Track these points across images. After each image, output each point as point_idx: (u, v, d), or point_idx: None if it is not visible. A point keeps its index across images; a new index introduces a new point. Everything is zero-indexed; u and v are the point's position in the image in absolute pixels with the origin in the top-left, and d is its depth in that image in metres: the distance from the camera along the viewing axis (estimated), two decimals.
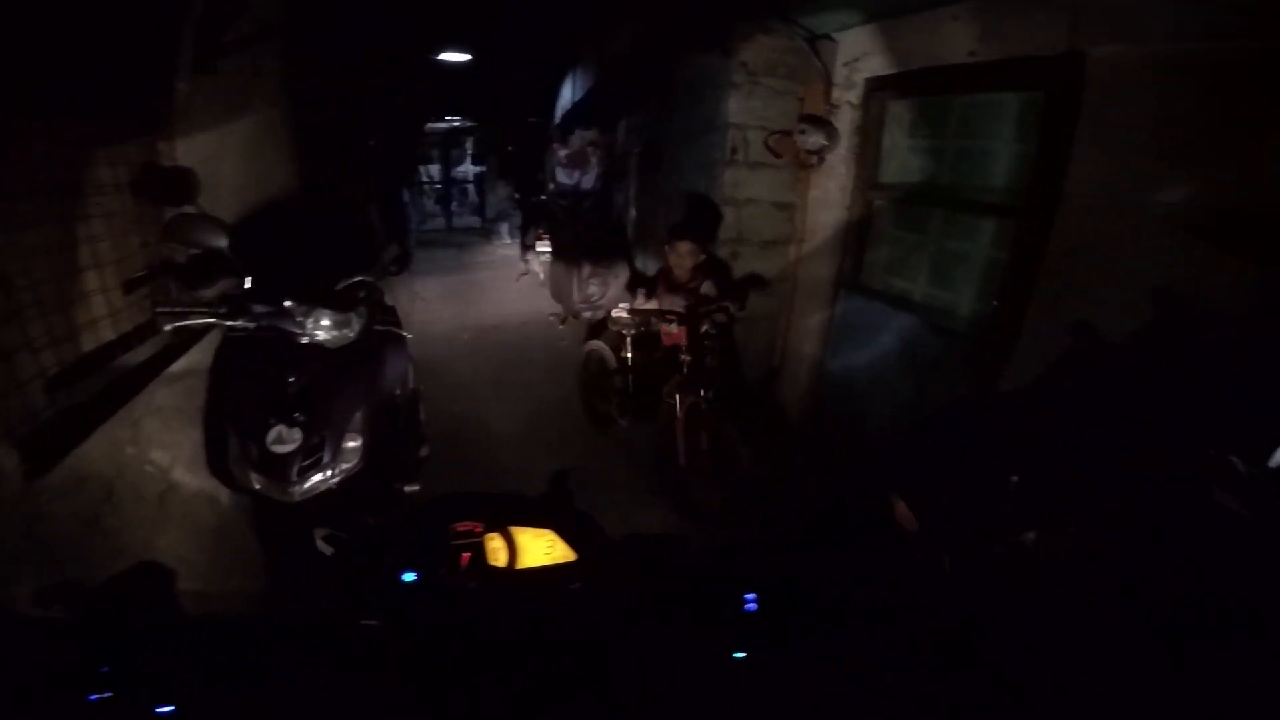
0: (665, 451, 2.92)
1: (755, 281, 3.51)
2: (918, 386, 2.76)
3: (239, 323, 1.91)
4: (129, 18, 1.85)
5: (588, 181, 7.41)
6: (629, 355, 3.32)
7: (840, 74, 3.26)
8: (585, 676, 0.72)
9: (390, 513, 2.25)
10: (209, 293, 2.10)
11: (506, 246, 8.97)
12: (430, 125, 10.72)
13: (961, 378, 2.50)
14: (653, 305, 3.19)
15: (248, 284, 2.01)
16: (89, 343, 1.76)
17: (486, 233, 10.09)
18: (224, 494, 2.33)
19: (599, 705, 0.70)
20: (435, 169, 12.10)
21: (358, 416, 2.00)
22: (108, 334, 1.84)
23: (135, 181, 1.99)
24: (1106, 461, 1.47)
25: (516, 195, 9.29)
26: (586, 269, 4.77)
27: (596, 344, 3.66)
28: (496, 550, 0.82)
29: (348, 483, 1.97)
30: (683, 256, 3.08)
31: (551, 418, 3.80)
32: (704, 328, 2.88)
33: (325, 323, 2.02)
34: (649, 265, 5.39)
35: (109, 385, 1.81)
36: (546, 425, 3.70)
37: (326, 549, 1.04)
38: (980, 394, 2.15)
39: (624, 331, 3.26)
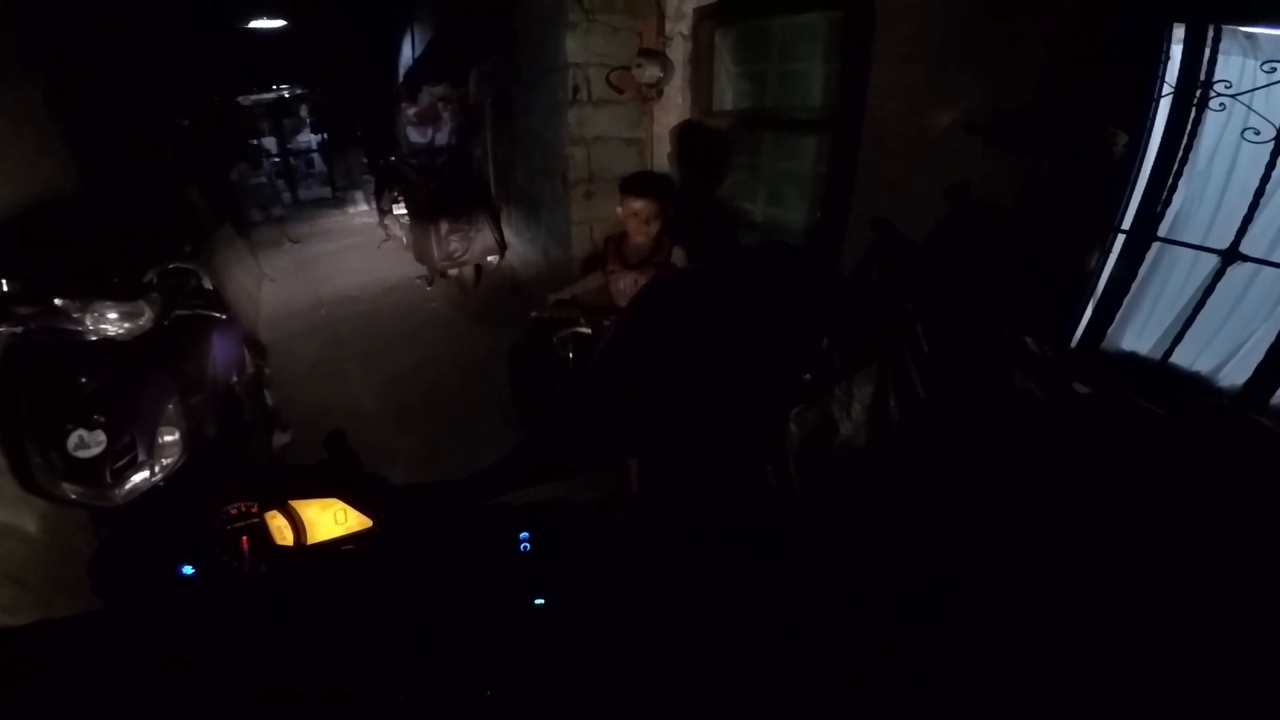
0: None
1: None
2: None
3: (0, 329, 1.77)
4: None
5: (442, 138, 7.06)
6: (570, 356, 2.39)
7: (671, 6, 3.28)
8: (394, 641, 0.71)
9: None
10: None
11: (364, 215, 8.39)
12: (255, 96, 10.16)
13: None
14: (595, 286, 2.45)
15: (2, 285, 1.83)
16: None
17: (340, 202, 9.39)
18: (31, 521, 2.07)
19: (411, 669, 0.70)
20: (270, 141, 11.09)
21: (170, 409, 1.87)
22: None
23: None
24: (908, 341, 1.65)
25: (365, 160, 8.73)
26: (445, 226, 4.56)
27: (532, 339, 2.68)
28: (280, 529, 0.77)
29: (177, 478, 1.86)
30: (641, 220, 2.19)
31: (426, 387, 3.66)
32: None
33: (111, 315, 1.90)
34: (514, 214, 5.25)
35: None
36: (421, 396, 3.56)
37: None
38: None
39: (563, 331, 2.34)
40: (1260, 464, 1.47)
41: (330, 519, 0.78)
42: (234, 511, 0.76)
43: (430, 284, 5.08)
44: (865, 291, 1.67)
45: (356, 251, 6.81)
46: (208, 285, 2.69)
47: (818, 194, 2.61)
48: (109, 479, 1.76)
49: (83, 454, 1.75)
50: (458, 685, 0.73)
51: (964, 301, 1.66)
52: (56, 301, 1.81)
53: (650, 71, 3.18)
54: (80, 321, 1.84)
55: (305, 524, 0.77)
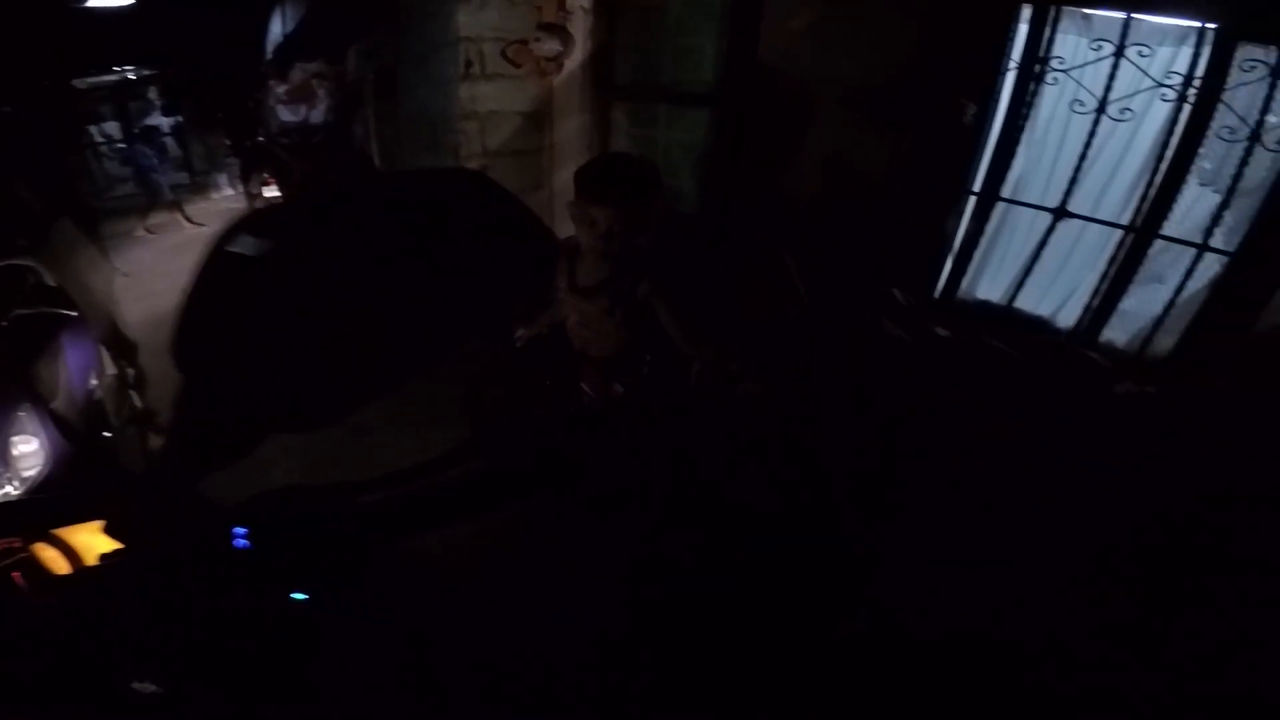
0: None
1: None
2: None
3: None
4: None
5: (316, 116, 6.53)
6: None
7: None
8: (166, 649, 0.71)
9: None
10: None
11: (229, 200, 7.59)
12: (94, 79, 8.87)
13: None
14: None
15: None
16: None
17: (200, 188, 8.42)
18: None
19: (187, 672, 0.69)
20: (113, 126, 9.78)
21: (23, 416, 1.67)
22: None
23: None
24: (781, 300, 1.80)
25: (228, 141, 7.91)
26: None
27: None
28: (54, 559, 0.74)
29: (41, 489, 1.67)
30: (598, 234, 1.39)
31: None
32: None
33: None
34: None
35: None
36: None
37: None
38: None
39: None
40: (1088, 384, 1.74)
41: (106, 539, 0.76)
42: None
43: None
44: (753, 254, 1.80)
45: None
46: (50, 282, 2.39)
47: (710, 165, 2.72)
48: None
49: None
50: (260, 684, 0.73)
51: (840, 260, 1.83)
52: None
53: (549, 46, 3.13)
54: None
55: (79, 549, 0.74)
